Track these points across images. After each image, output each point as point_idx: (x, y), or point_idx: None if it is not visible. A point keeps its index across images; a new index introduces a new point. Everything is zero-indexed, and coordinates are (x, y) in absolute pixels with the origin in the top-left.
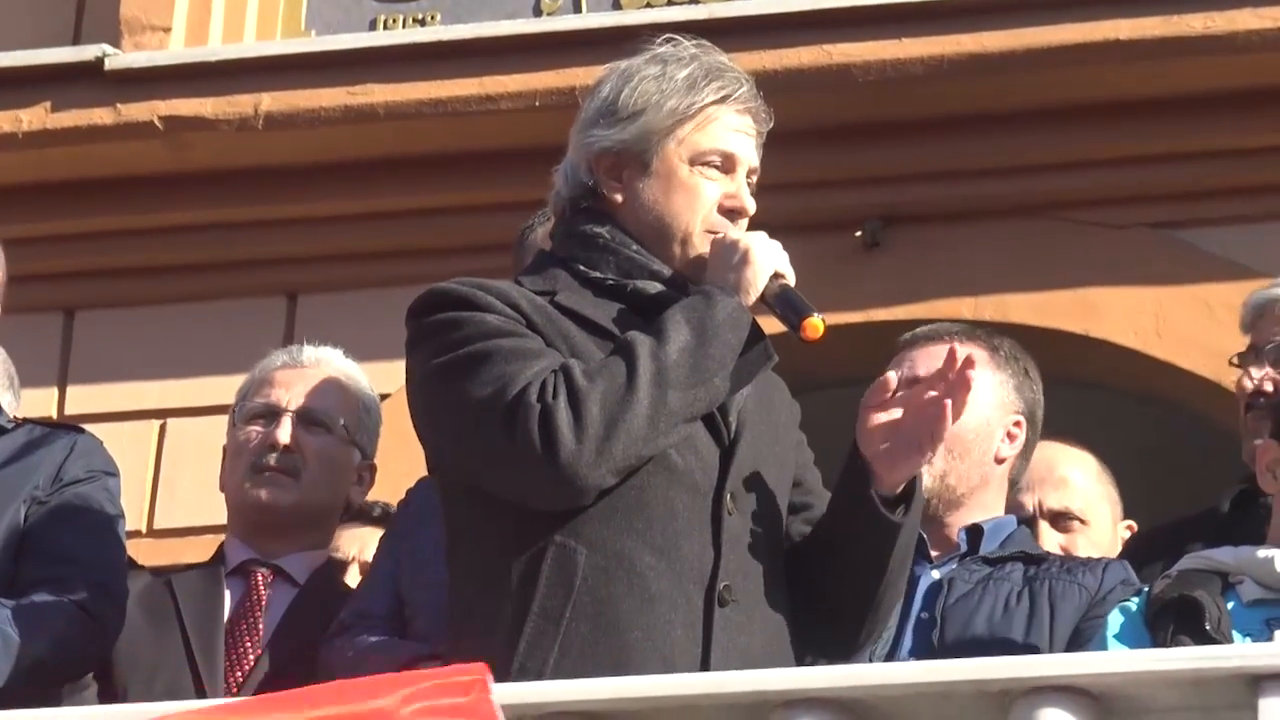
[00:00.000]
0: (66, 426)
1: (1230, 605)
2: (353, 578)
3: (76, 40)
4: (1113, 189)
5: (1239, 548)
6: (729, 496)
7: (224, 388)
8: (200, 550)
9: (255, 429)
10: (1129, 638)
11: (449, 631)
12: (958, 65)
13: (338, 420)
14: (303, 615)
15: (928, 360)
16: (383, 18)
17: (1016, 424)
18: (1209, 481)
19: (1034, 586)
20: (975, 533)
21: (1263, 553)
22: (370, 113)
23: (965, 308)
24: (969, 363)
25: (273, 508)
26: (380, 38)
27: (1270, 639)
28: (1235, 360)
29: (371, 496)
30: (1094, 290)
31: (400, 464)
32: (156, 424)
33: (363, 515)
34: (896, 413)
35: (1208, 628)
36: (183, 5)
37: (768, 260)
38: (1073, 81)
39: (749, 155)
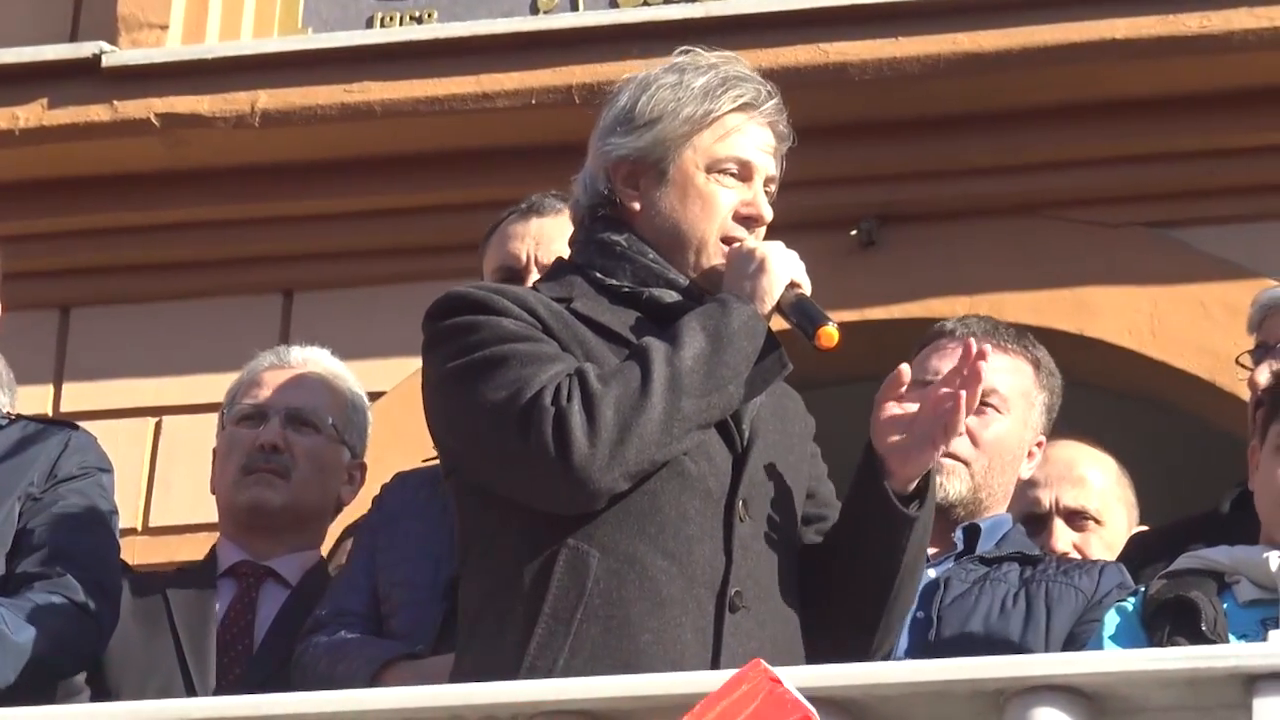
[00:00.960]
0: (61, 423)
1: (1226, 605)
2: None
3: (73, 37)
4: (1108, 188)
5: (1234, 547)
6: (741, 503)
7: (220, 385)
8: (195, 548)
9: (244, 430)
10: (1125, 638)
11: (460, 631)
12: (954, 64)
13: (326, 420)
14: (295, 617)
15: (939, 360)
16: (379, 15)
17: (1039, 444)
18: (1204, 482)
19: (1030, 588)
20: (972, 531)
21: (1258, 553)
22: (367, 110)
23: (960, 306)
24: (981, 355)
25: (263, 508)
26: (377, 35)
27: (1265, 639)
28: (1243, 359)
29: (366, 493)
30: (1089, 289)
31: (395, 461)
32: (152, 421)
33: None
34: (912, 406)
35: (1203, 628)
36: (179, 3)
37: (784, 269)
38: (1069, 80)
39: (766, 163)
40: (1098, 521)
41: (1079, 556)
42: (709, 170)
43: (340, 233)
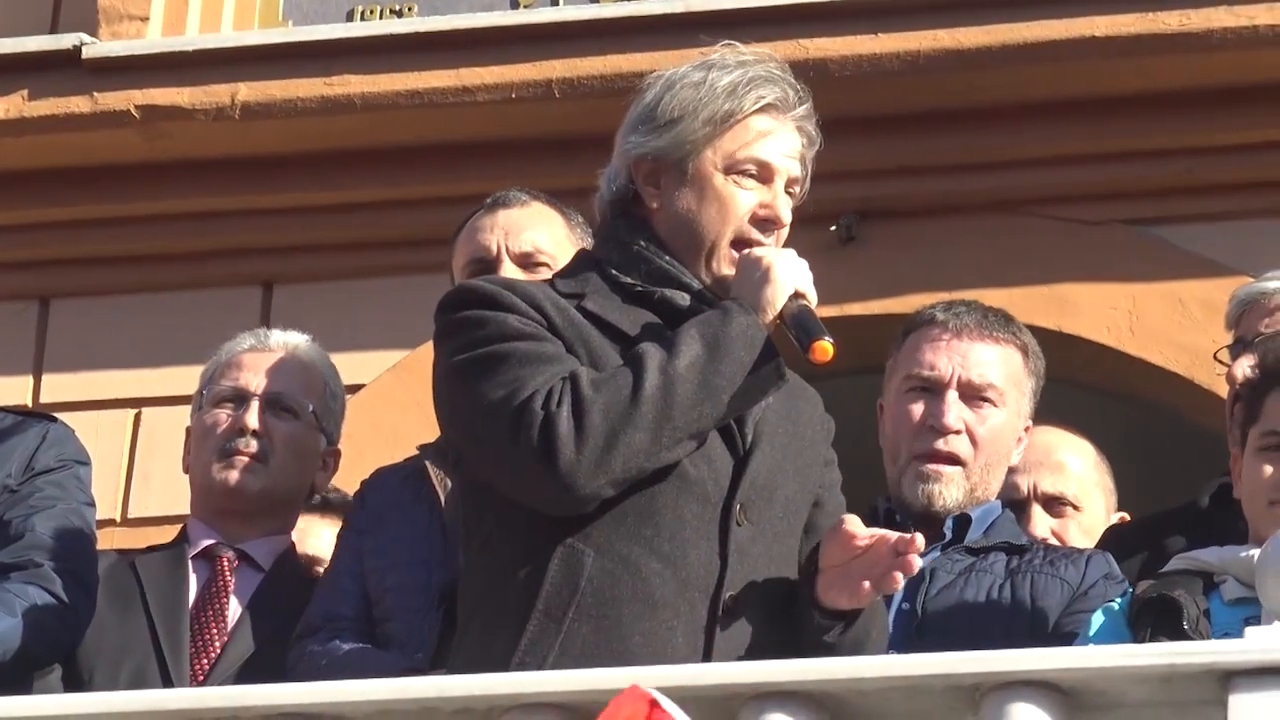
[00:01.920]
0: (39, 415)
1: (1213, 604)
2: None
3: (54, 29)
4: (1088, 185)
5: (1224, 548)
6: (739, 507)
7: (199, 377)
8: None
9: (223, 412)
10: (1110, 638)
11: (458, 625)
12: (934, 60)
13: (306, 406)
14: (269, 601)
15: (980, 363)
16: (360, 8)
17: (1026, 429)
18: (1182, 477)
19: (1016, 579)
20: (964, 521)
21: (1244, 552)
22: (347, 103)
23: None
24: (915, 548)
25: (241, 492)
26: (357, 28)
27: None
28: (1221, 355)
29: (345, 486)
30: (1068, 286)
31: (375, 454)
32: (131, 413)
33: (328, 505)
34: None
35: (1185, 627)
36: None
37: (789, 278)
38: (1049, 77)
39: (787, 165)
40: (1076, 507)
41: (1058, 543)
42: (727, 171)
43: (320, 225)
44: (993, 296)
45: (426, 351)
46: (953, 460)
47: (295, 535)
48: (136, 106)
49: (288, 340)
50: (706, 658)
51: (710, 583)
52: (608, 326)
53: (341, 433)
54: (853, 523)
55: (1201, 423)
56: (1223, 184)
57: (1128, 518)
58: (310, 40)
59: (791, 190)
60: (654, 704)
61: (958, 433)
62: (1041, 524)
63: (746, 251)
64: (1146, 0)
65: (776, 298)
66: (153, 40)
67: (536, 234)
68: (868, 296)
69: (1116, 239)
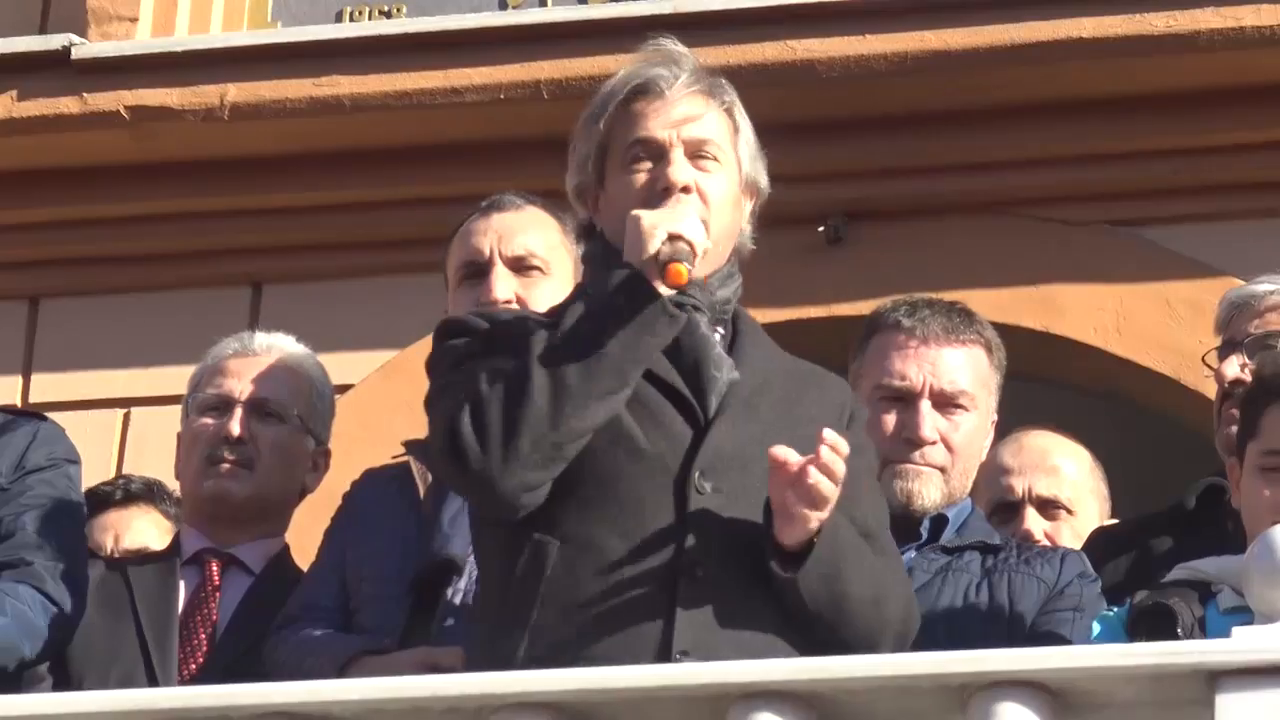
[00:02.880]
0: (29, 414)
1: (1209, 613)
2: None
3: (43, 29)
4: (1075, 186)
5: (1223, 558)
6: (698, 474)
7: (188, 377)
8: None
9: (209, 420)
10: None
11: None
12: (922, 62)
13: (291, 410)
14: (258, 605)
15: (950, 369)
16: (349, 10)
17: (993, 423)
18: (1169, 478)
19: (993, 579)
20: (940, 521)
21: (1240, 561)
22: (336, 104)
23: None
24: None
25: (228, 499)
26: (346, 29)
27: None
28: (1209, 358)
29: (334, 487)
30: (1055, 287)
31: (363, 453)
32: (121, 413)
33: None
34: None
35: (1179, 633)
36: None
37: (660, 225)
38: (1036, 79)
39: (671, 132)
40: (1070, 511)
41: (1047, 543)
42: (622, 165)
43: (309, 226)
44: (980, 297)
45: (415, 351)
46: (929, 466)
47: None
48: (126, 107)
49: (272, 343)
50: (669, 628)
51: (669, 553)
52: None
53: (331, 432)
54: (782, 451)
55: (1189, 424)
56: (1210, 185)
57: (1115, 522)
58: (299, 41)
59: (705, 152)
60: None
61: (934, 443)
62: (1035, 526)
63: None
64: (1133, 2)
65: (647, 241)
66: (142, 41)
67: (530, 238)
68: (855, 297)
69: (1104, 240)
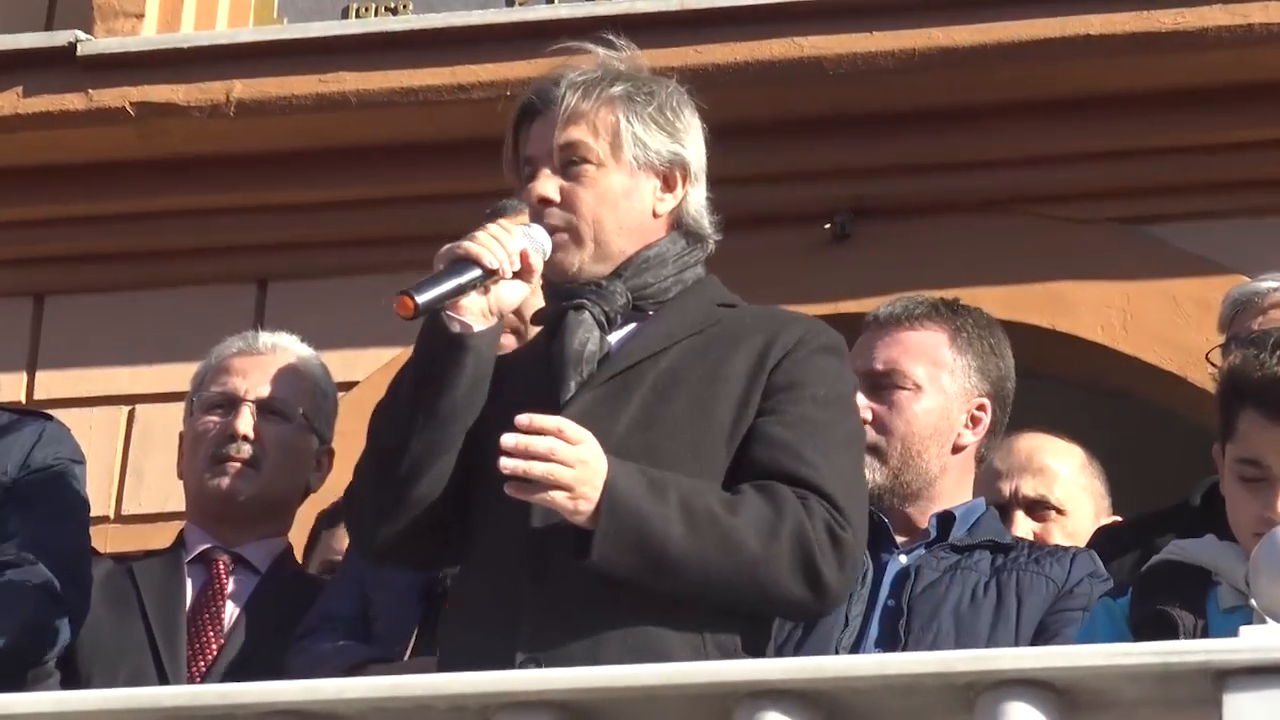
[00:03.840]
0: (35, 414)
1: (1209, 611)
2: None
3: (49, 26)
4: (1082, 184)
5: (1218, 543)
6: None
7: (193, 374)
8: (168, 536)
9: (214, 418)
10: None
11: None
12: (928, 59)
13: (297, 409)
14: (265, 604)
15: (887, 349)
16: (355, 6)
17: (980, 407)
18: (1174, 476)
19: (1001, 577)
20: (947, 519)
21: (1236, 559)
22: (342, 101)
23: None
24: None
25: (233, 498)
26: (352, 26)
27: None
28: (1213, 355)
29: (336, 486)
30: (1062, 285)
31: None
32: (125, 410)
33: None
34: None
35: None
36: None
37: (451, 250)
38: (1043, 76)
39: (541, 146)
40: (1060, 511)
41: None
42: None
43: (314, 223)
44: (987, 295)
45: None
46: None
47: None
48: (131, 103)
49: (276, 342)
50: (513, 638)
51: (517, 558)
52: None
53: (335, 431)
54: (505, 440)
55: (1195, 421)
56: (1217, 182)
57: (1120, 520)
58: (305, 37)
59: (573, 158)
60: None
61: (866, 422)
62: (1023, 528)
63: None
64: None
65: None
66: (148, 37)
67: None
68: (861, 294)
69: (1111, 237)
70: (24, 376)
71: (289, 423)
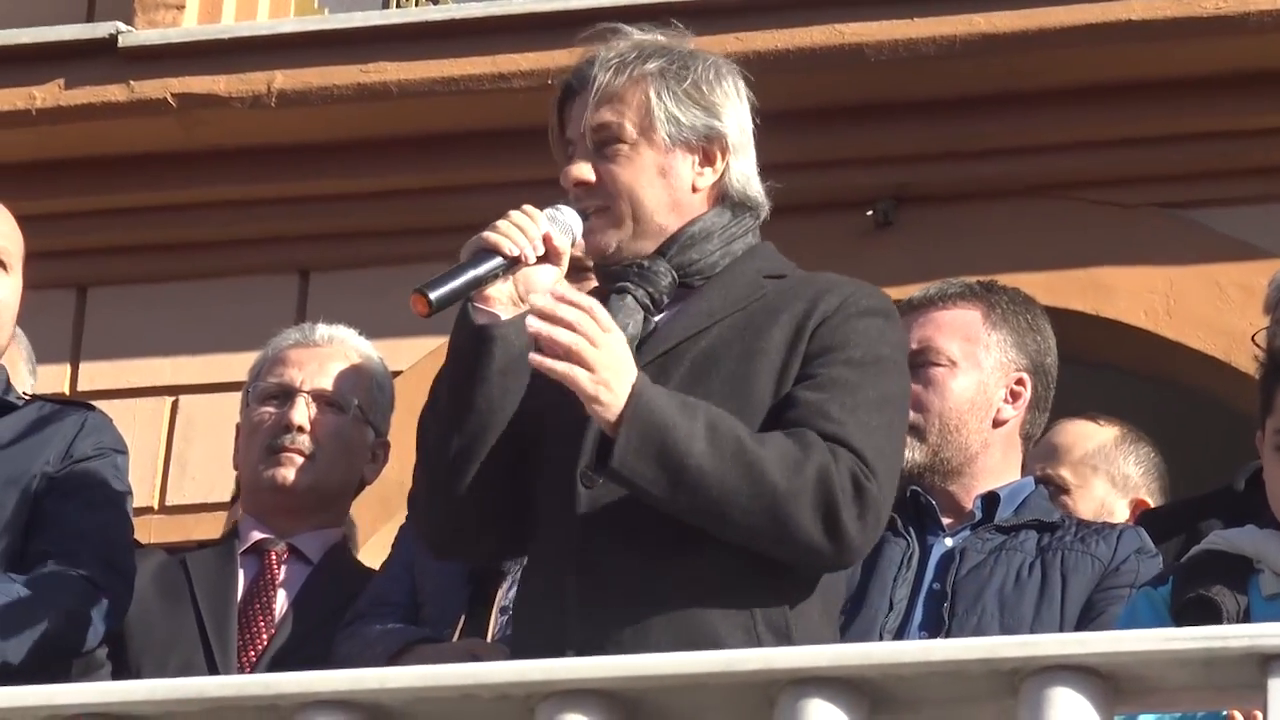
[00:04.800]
0: (77, 404)
1: (1251, 598)
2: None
3: (90, 17)
4: (1124, 169)
5: (1260, 530)
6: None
7: (236, 364)
8: (212, 526)
9: (269, 409)
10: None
11: None
12: (970, 45)
13: (352, 401)
14: (317, 594)
15: (921, 329)
16: None
17: (1019, 381)
18: (1218, 461)
19: (1046, 557)
20: (992, 500)
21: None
22: (383, 91)
23: None
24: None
25: (288, 489)
26: (393, 16)
27: None
28: (1258, 338)
29: (386, 474)
30: (1105, 270)
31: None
32: (169, 400)
33: None
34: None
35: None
36: None
37: (475, 241)
38: (1085, 61)
39: (576, 128)
40: (1064, 489)
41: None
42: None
43: (356, 213)
44: (1029, 280)
45: None
46: None
47: None
48: (173, 95)
49: (333, 334)
50: (562, 599)
51: (569, 524)
52: None
53: (390, 424)
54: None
55: (1238, 406)
56: (1260, 167)
57: (1149, 503)
58: (346, 28)
59: (606, 138)
60: None
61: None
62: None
63: None
64: None
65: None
66: (189, 28)
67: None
68: (904, 281)
69: (1153, 222)
70: (67, 368)
71: (344, 414)
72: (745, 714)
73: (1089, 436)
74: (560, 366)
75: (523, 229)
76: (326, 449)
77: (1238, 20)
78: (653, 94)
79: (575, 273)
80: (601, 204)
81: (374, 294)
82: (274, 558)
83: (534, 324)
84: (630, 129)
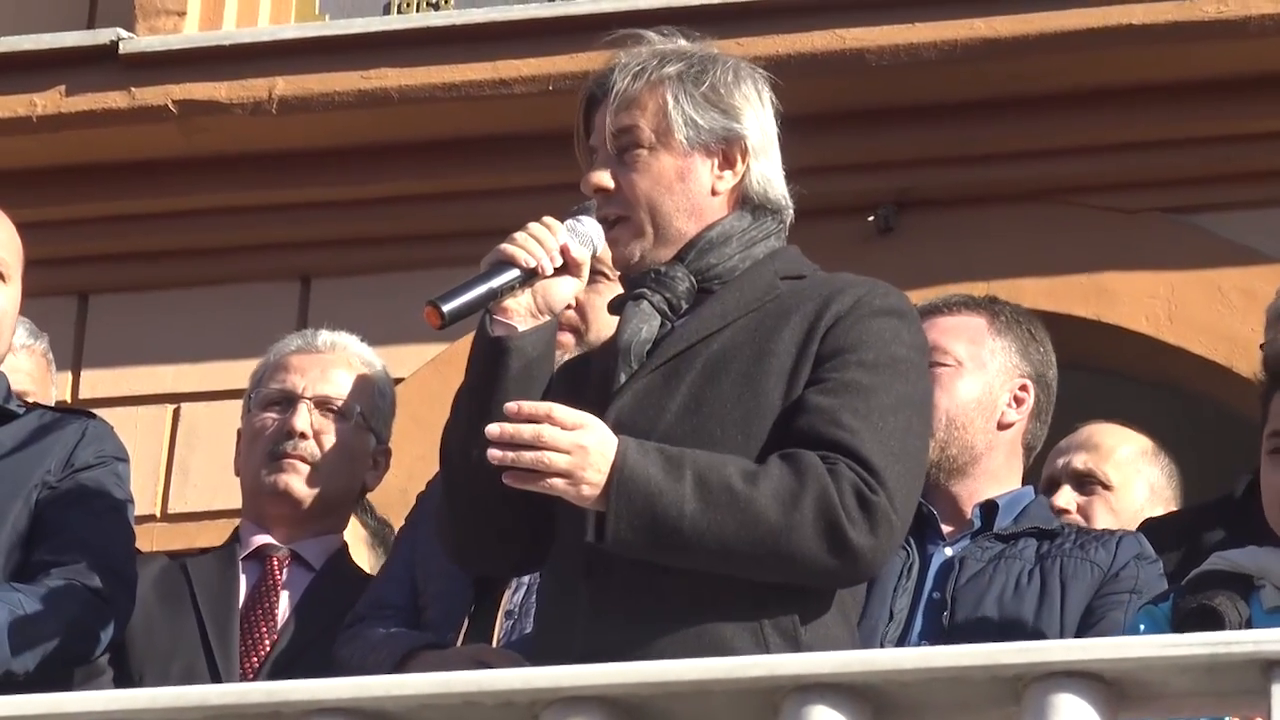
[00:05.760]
0: (78, 412)
1: (1254, 611)
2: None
3: (91, 24)
4: (1125, 174)
5: (1260, 549)
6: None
7: (238, 372)
8: (214, 534)
9: (271, 415)
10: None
11: None
12: (970, 50)
13: (354, 407)
14: (319, 600)
15: (927, 333)
16: (396, 1)
17: (1023, 387)
18: (1220, 467)
19: (1045, 564)
20: (990, 508)
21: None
22: (384, 97)
23: (977, 292)
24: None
25: (290, 495)
26: (394, 22)
27: None
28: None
29: (386, 480)
30: (1106, 275)
31: (415, 448)
32: (170, 408)
33: None
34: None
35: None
36: None
37: (493, 254)
38: (1086, 66)
39: (598, 134)
40: (1107, 486)
41: (1080, 519)
42: None
43: (358, 219)
44: (1031, 286)
45: (465, 344)
46: None
47: None
48: (174, 101)
49: (335, 340)
50: (573, 608)
51: (579, 533)
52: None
53: (391, 431)
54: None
55: (1240, 412)
56: (1262, 171)
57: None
58: (347, 34)
59: (626, 143)
60: None
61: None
62: (1065, 499)
63: None
64: None
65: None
66: (189, 35)
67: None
68: (906, 287)
69: (1155, 228)
70: (69, 376)
71: (346, 421)
72: None
73: (1130, 440)
74: (534, 485)
75: (540, 240)
76: (328, 455)
77: (1239, 24)
78: (670, 98)
79: (596, 278)
80: (621, 213)
81: (376, 300)
82: (276, 563)
83: (495, 453)
84: (648, 133)
